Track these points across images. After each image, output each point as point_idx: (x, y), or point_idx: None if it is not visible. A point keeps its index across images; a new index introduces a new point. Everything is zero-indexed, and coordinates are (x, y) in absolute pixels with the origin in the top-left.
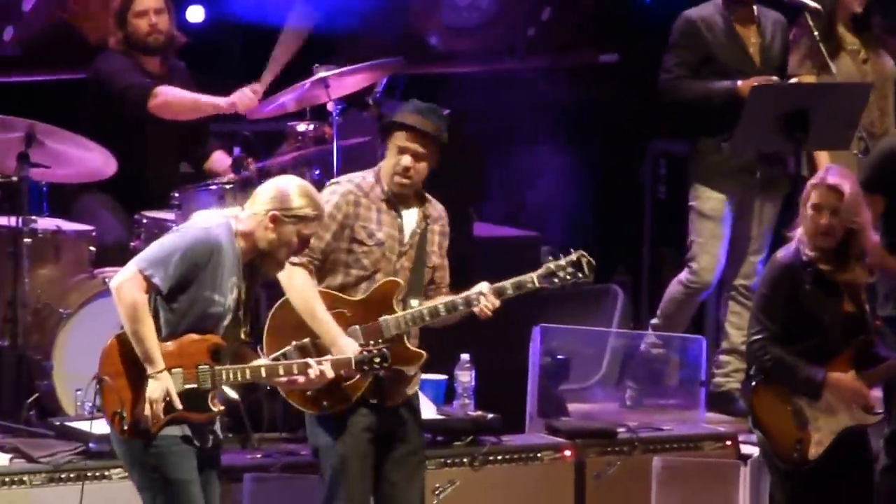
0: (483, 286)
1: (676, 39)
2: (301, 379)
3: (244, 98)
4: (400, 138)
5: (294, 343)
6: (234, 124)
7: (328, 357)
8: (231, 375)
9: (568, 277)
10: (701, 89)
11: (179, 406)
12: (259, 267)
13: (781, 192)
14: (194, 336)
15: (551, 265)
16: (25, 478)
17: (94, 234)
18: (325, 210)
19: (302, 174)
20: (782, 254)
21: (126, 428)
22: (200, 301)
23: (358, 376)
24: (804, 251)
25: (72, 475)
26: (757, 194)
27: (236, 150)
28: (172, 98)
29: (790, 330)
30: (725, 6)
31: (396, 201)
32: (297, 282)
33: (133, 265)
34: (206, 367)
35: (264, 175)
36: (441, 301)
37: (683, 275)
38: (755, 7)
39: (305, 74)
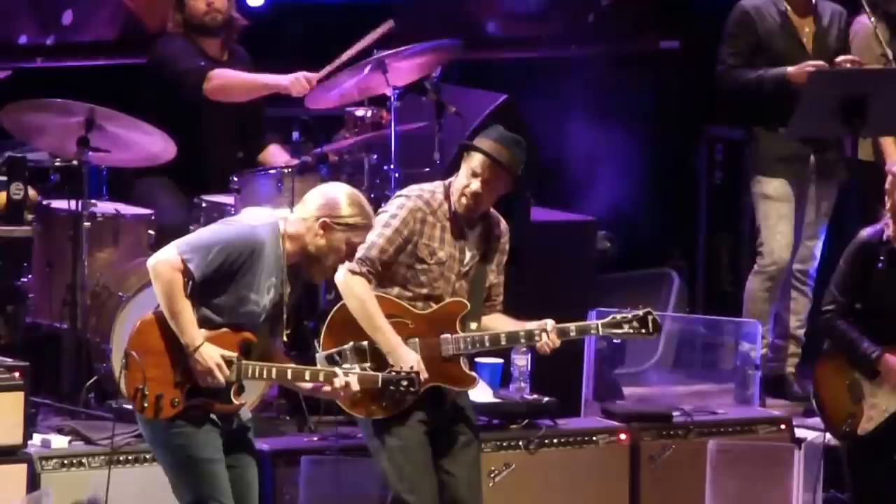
0: (548, 324)
1: (730, 30)
2: (327, 388)
3: (298, 85)
4: (475, 162)
5: (353, 343)
6: (293, 108)
7: (355, 370)
8: (257, 372)
9: (631, 331)
10: (752, 77)
11: (227, 372)
12: (304, 270)
13: (838, 179)
14: (227, 330)
15: (617, 317)
16: (84, 460)
17: (153, 217)
18: (393, 224)
19: (360, 159)
20: (867, 231)
21: (146, 405)
22: (237, 298)
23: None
24: (886, 231)
25: (130, 458)
26: (812, 181)
27: (295, 135)
28: (227, 80)
29: (861, 306)
30: None
31: (461, 221)
32: (356, 291)
33: (174, 246)
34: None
35: (322, 160)
36: (503, 331)
37: (756, 263)
38: None
39: (363, 55)
